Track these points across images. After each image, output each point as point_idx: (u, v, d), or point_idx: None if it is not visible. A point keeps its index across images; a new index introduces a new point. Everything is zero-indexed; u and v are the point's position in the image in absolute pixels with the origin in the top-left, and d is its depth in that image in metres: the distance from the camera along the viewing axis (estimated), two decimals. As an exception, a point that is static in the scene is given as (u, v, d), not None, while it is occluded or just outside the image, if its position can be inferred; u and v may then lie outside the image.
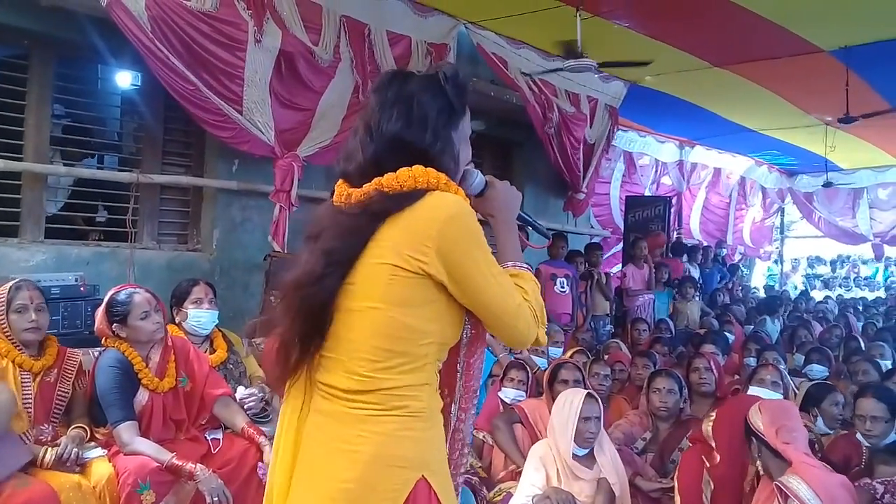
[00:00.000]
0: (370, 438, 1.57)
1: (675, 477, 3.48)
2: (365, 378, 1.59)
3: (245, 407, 3.67)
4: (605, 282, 7.86)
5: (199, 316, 3.88)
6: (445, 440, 1.73)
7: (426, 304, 1.61)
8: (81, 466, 3.07)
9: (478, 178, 1.83)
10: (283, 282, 1.71)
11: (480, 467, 3.89)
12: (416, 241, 1.58)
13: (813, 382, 4.56)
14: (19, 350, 3.17)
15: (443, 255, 1.58)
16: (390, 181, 1.62)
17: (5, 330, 3.16)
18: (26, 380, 3.16)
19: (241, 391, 3.79)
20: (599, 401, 3.61)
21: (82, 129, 5.30)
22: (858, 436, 3.60)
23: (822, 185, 11.94)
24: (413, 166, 1.62)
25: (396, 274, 1.57)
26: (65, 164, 5.09)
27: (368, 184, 1.65)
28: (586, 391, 3.65)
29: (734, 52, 6.91)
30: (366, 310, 1.60)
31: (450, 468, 1.74)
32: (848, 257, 16.70)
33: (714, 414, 3.51)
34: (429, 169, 1.64)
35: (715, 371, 4.53)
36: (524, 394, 4.38)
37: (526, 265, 1.81)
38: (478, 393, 1.88)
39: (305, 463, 1.64)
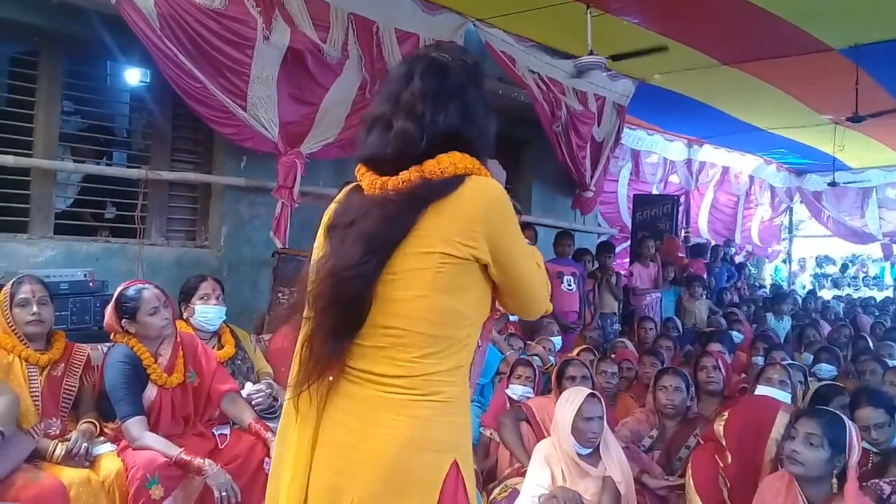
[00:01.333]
0: (406, 422, 1.56)
1: (688, 475, 3.47)
2: (408, 364, 1.57)
3: (253, 403, 3.69)
4: (615, 281, 7.85)
5: (207, 312, 3.89)
6: None
7: (471, 287, 1.62)
8: (91, 461, 3.09)
9: None
10: (314, 272, 1.67)
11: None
12: (465, 226, 1.58)
13: (822, 383, 4.54)
14: (25, 345, 3.19)
15: (490, 238, 1.59)
16: (432, 168, 1.61)
17: (10, 324, 3.19)
18: (33, 374, 3.18)
19: (248, 387, 3.81)
20: (602, 400, 3.59)
21: (92, 126, 5.31)
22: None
23: (831, 185, 11.89)
24: (452, 153, 1.63)
25: (445, 262, 1.57)
26: (74, 161, 5.10)
27: (406, 171, 1.63)
28: (588, 391, 3.64)
29: (743, 50, 6.89)
30: (412, 298, 1.58)
31: None
32: (857, 257, 16.63)
33: (726, 414, 3.50)
34: (465, 155, 1.64)
35: (723, 370, 4.52)
36: (532, 390, 4.38)
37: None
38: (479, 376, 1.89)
39: (331, 448, 1.61)
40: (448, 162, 1.61)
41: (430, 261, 1.57)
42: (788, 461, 2.82)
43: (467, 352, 1.66)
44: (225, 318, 4.05)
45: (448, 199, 1.58)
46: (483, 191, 1.61)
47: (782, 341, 7.32)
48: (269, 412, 3.74)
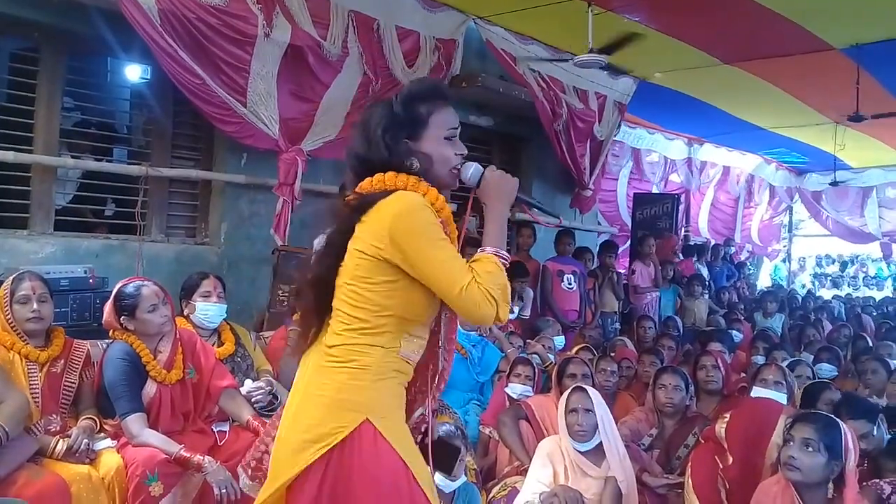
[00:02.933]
0: (331, 385, 1.94)
1: (688, 475, 3.47)
2: (337, 335, 1.97)
3: (252, 400, 3.68)
4: (616, 280, 7.85)
5: (208, 309, 3.89)
6: (411, 399, 2.11)
7: (383, 282, 1.95)
8: (91, 457, 3.09)
9: (472, 170, 2.09)
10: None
11: (474, 469, 3.87)
12: (376, 231, 1.94)
13: (810, 381, 4.53)
14: (24, 341, 3.19)
15: (395, 243, 1.91)
16: (368, 185, 2.02)
17: (10, 321, 3.18)
18: (33, 370, 3.18)
19: (248, 384, 3.81)
20: (592, 393, 3.58)
21: (92, 123, 5.31)
22: None
23: (831, 184, 11.88)
24: (386, 173, 2.00)
25: (361, 258, 1.95)
26: (73, 157, 5.10)
27: (357, 187, 2.06)
28: (574, 385, 3.65)
29: (744, 49, 6.89)
30: (343, 285, 1.99)
31: (408, 422, 2.09)
32: (857, 256, 16.62)
33: (728, 415, 3.50)
34: (399, 174, 2.00)
35: (722, 369, 4.52)
36: (531, 389, 4.38)
37: (499, 251, 2.02)
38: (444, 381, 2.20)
39: (289, 407, 2.02)
40: (378, 180, 2.00)
41: (353, 257, 1.97)
42: (786, 467, 2.81)
43: (387, 338, 1.97)
44: (225, 315, 4.05)
45: (372, 210, 1.96)
46: (395, 203, 1.94)
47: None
48: (268, 409, 3.74)
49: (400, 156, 2.02)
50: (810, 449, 2.77)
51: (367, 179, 2.02)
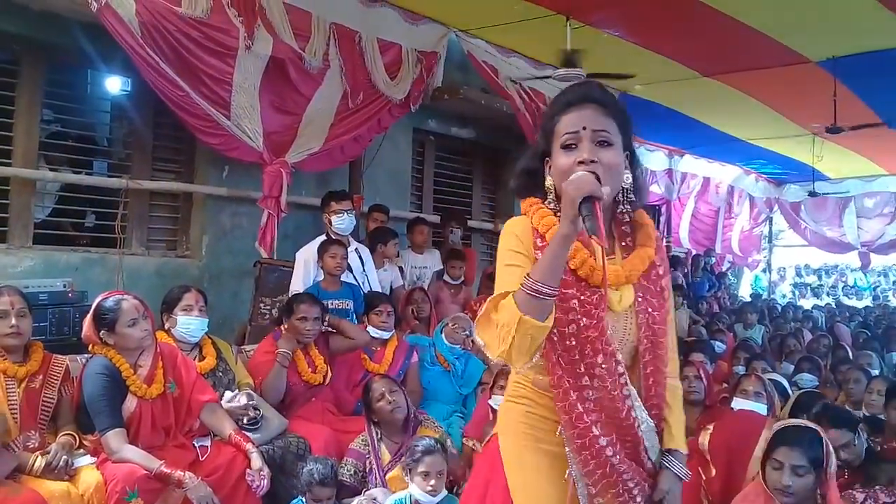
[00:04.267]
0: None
1: None
2: None
3: (236, 417, 3.65)
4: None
5: (189, 323, 3.86)
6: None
7: None
8: (70, 474, 3.05)
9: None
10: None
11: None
12: None
13: (802, 391, 4.57)
14: (2, 357, 3.15)
15: None
16: None
17: (-12, 337, 3.14)
18: (11, 386, 3.14)
19: (227, 395, 3.76)
20: None
21: (71, 135, 5.28)
22: None
23: (809, 195, 12.00)
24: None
25: None
26: (52, 170, 5.06)
27: None
28: None
29: (723, 62, 6.95)
30: None
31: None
32: (835, 266, 16.80)
33: (710, 427, 3.50)
34: (528, 198, 1.97)
35: (704, 380, 4.54)
36: (514, 402, 4.37)
37: (533, 284, 1.68)
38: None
39: None
40: None
41: None
42: (780, 493, 2.79)
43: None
44: (207, 329, 4.02)
45: None
46: None
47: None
48: (252, 424, 3.71)
49: (528, 180, 1.99)
50: (800, 474, 2.77)
51: None
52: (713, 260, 12.54)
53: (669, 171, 11.58)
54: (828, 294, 16.24)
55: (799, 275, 17.21)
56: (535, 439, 1.94)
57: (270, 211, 5.22)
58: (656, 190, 11.73)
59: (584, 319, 1.83)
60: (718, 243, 13.49)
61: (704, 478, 3.35)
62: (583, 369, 1.84)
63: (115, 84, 5.27)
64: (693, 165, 11.96)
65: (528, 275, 1.70)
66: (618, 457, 1.87)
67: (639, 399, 1.92)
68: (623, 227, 1.95)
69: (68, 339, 3.89)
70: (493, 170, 8.52)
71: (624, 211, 1.92)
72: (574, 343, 1.83)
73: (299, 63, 5.21)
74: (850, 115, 7.56)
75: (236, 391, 3.82)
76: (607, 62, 6.20)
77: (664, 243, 1.98)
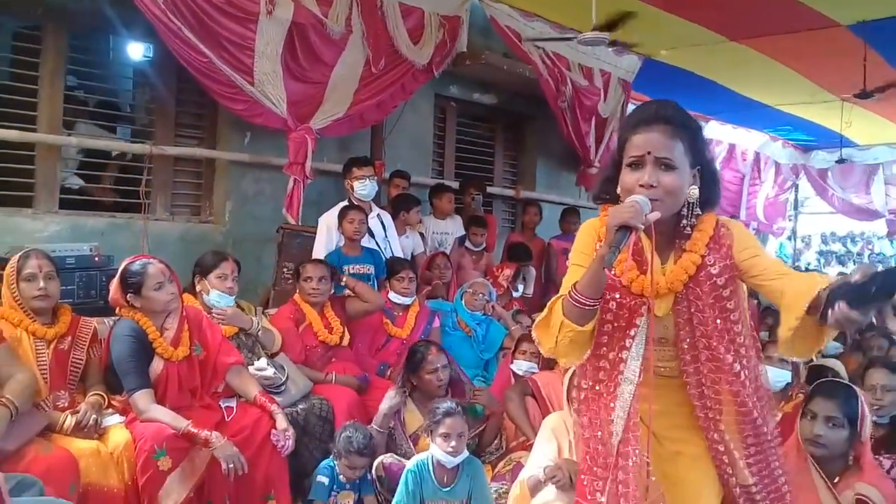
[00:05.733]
0: None
1: None
2: None
3: (266, 381, 3.70)
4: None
5: (220, 299, 3.87)
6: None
7: None
8: (100, 433, 3.11)
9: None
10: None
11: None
12: None
13: (811, 364, 4.53)
14: (31, 319, 3.20)
15: None
16: None
17: (17, 299, 3.20)
18: (41, 347, 3.20)
19: (256, 364, 3.79)
20: None
21: (95, 101, 5.30)
22: None
23: (837, 161, 11.83)
24: None
25: None
26: (73, 135, 5.09)
27: None
28: None
29: (750, 27, 6.83)
30: None
31: None
32: (862, 234, 16.60)
33: None
34: (604, 204, 2.10)
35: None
36: (536, 366, 4.39)
37: (574, 294, 1.91)
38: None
39: None
40: None
41: None
42: (810, 444, 2.80)
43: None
44: (233, 304, 4.05)
45: None
46: None
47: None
48: (277, 388, 3.76)
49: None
50: (835, 425, 2.78)
51: None
52: (738, 227, 12.39)
53: (694, 138, 11.45)
54: (854, 262, 16.05)
55: (825, 242, 17.02)
56: None
57: (296, 177, 5.23)
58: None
59: (617, 322, 2.03)
60: (743, 210, 13.36)
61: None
62: (600, 363, 2.06)
63: (137, 50, 5.28)
64: (719, 132, 11.82)
65: (573, 284, 1.92)
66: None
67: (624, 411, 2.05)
68: (682, 240, 2.05)
69: (95, 302, 3.93)
70: (515, 136, 8.47)
71: (686, 224, 2.02)
72: (604, 340, 2.04)
73: (321, 28, 5.19)
74: (880, 80, 7.41)
75: (264, 359, 3.86)
76: (632, 27, 6.10)
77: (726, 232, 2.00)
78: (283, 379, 3.81)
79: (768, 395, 2.17)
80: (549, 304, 2.00)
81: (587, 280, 1.90)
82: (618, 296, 2.03)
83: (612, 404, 2.04)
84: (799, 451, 2.85)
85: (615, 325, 2.03)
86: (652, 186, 1.91)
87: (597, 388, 2.08)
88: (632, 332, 2.02)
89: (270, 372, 3.77)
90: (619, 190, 2.00)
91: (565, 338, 1.94)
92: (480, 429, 4.04)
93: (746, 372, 2.03)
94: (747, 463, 2.05)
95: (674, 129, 1.95)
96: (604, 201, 2.10)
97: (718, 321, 2.00)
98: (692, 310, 2.01)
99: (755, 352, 2.09)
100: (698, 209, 2.02)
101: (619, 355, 2.03)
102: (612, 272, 1.93)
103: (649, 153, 1.92)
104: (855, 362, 5.21)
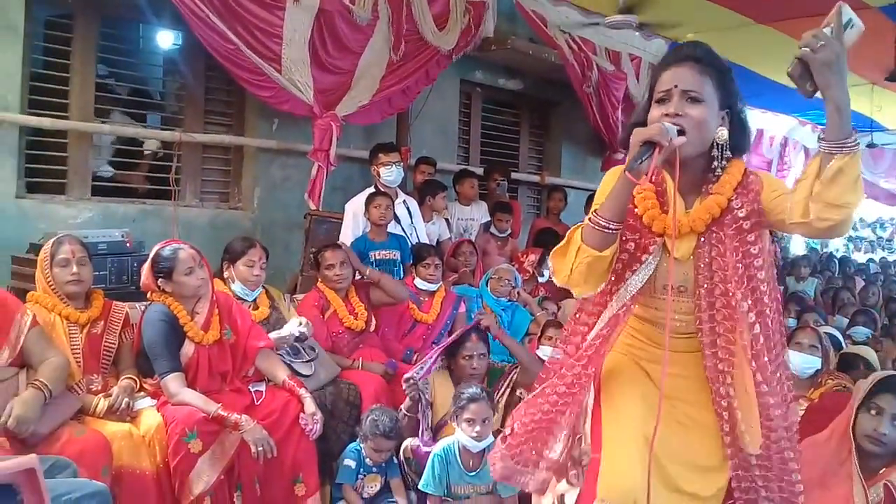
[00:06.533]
0: None
1: None
2: None
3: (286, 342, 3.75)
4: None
5: (248, 287, 3.94)
6: None
7: None
8: (132, 416, 3.17)
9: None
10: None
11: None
12: None
13: (843, 351, 4.48)
14: (65, 303, 3.26)
15: None
16: None
17: (51, 284, 3.25)
18: (74, 332, 3.25)
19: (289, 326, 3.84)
20: None
21: (126, 89, 5.36)
22: None
23: (867, 146, 11.67)
24: None
25: None
26: (105, 123, 5.15)
27: None
28: None
29: (778, 9, 6.73)
30: None
31: None
32: (892, 219, 16.35)
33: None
34: None
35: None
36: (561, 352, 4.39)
37: (595, 217, 1.90)
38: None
39: None
40: None
41: None
42: (871, 441, 2.64)
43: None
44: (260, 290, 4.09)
45: None
46: None
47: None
48: (299, 356, 3.81)
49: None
50: None
51: None
52: (765, 213, 12.26)
53: (722, 123, 11.34)
54: (883, 248, 15.83)
55: (854, 228, 16.78)
56: (632, 356, 2.15)
57: (320, 163, 5.27)
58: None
59: (633, 260, 2.01)
60: (771, 196, 13.22)
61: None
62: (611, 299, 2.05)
63: (166, 38, 5.33)
64: (747, 116, 11.69)
65: (594, 209, 1.91)
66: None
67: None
68: (711, 178, 2.01)
69: (127, 287, 3.98)
70: (541, 121, 8.45)
71: (717, 166, 1.98)
72: (612, 278, 2.03)
73: (348, 15, 5.21)
74: (912, 63, 7.31)
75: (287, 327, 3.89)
76: (659, 9, 6.07)
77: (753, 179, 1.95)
78: (303, 336, 3.82)
79: (785, 365, 2.09)
80: (567, 233, 1.98)
81: (609, 201, 1.88)
82: (637, 236, 2.01)
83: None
84: (842, 440, 2.71)
85: (627, 265, 2.02)
86: (678, 115, 1.90)
87: (589, 320, 2.11)
88: (634, 267, 2.01)
89: (286, 332, 3.80)
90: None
91: (581, 263, 1.91)
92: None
93: (761, 325, 1.96)
94: (751, 429, 1.96)
95: (703, 66, 1.96)
96: None
97: (740, 266, 1.95)
98: (713, 254, 1.98)
99: (776, 304, 2.02)
100: (728, 152, 1.98)
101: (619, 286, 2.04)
102: (639, 181, 1.85)
103: (676, 86, 1.93)
104: (885, 347, 5.17)
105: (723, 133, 1.96)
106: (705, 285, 1.98)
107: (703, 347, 2.02)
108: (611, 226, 1.87)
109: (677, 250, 1.98)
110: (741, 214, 1.97)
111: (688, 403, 2.07)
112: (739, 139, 2.02)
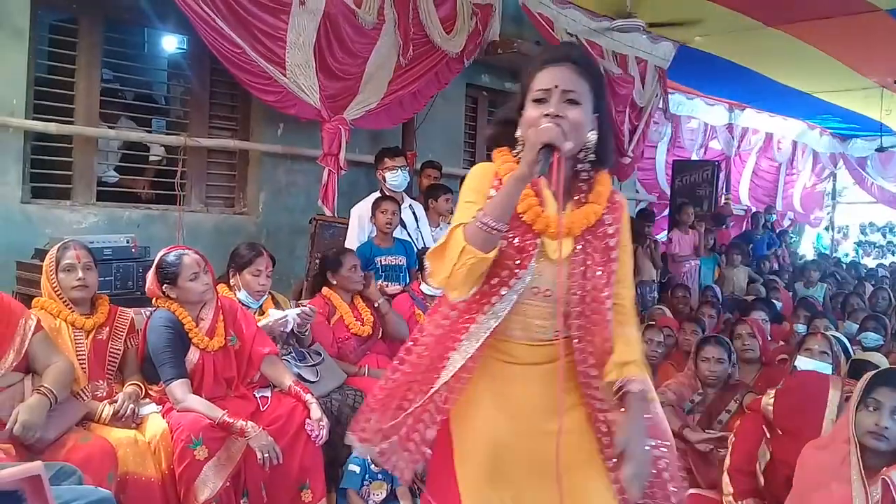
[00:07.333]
0: None
1: (734, 433, 3.43)
2: None
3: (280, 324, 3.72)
4: (654, 249, 7.80)
5: (253, 297, 3.90)
6: None
7: None
8: (137, 422, 3.15)
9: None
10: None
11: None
12: None
13: (853, 359, 4.44)
14: (70, 309, 3.24)
15: None
16: None
17: (56, 289, 3.23)
18: (79, 337, 3.23)
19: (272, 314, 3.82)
20: None
21: (133, 95, 5.36)
22: None
23: (877, 150, 11.63)
24: None
25: None
26: (110, 128, 5.14)
27: None
28: None
29: (787, 12, 6.72)
30: None
31: None
32: (899, 224, 16.28)
33: (773, 392, 3.41)
34: (499, 147, 2.04)
35: (759, 337, 4.46)
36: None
37: (482, 217, 1.81)
38: None
39: None
40: None
41: None
42: (872, 436, 2.59)
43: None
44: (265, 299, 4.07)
45: None
46: None
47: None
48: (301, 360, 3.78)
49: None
50: None
51: None
52: (774, 217, 12.26)
53: (730, 126, 11.34)
54: (893, 253, 15.74)
55: (863, 233, 16.71)
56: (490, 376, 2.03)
57: (330, 168, 5.24)
58: (715, 146, 11.50)
59: (510, 261, 1.93)
60: (779, 201, 13.20)
61: (768, 435, 3.27)
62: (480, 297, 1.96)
63: (171, 42, 5.33)
64: (755, 120, 11.67)
65: (481, 209, 1.84)
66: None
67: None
68: (580, 185, 2.01)
69: (132, 292, 3.97)
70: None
71: (583, 169, 1.99)
72: (491, 277, 1.93)
73: (353, 19, 5.19)
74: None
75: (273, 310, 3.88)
76: (666, 13, 6.04)
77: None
78: (305, 319, 3.82)
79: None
80: (446, 232, 1.89)
81: (498, 202, 1.83)
82: (512, 235, 1.92)
83: (458, 342, 1.99)
84: (844, 441, 2.67)
85: (503, 265, 1.93)
86: (558, 116, 1.86)
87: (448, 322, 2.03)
88: (511, 283, 1.93)
89: (280, 314, 3.78)
90: (518, 133, 1.95)
91: (464, 266, 1.82)
92: None
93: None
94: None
95: (581, 69, 1.94)
96: (499, 146, 2.04)
97: (609, 279, 1.97)
98: (587, 261, 1.96)
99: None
100: (593, 154, 1.97)
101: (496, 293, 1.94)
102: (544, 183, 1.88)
103: (556, 87, 1.89)
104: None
105: (592, 136, 1.95)
106: (578, 292, 1.96)
107: (574, 352, 1.98)
108: (496, 225, 1.80)
109: (555, 251, 1.94)
110: (610, 231, 2.00)
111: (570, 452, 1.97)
112: (605, 149, 2.00)
